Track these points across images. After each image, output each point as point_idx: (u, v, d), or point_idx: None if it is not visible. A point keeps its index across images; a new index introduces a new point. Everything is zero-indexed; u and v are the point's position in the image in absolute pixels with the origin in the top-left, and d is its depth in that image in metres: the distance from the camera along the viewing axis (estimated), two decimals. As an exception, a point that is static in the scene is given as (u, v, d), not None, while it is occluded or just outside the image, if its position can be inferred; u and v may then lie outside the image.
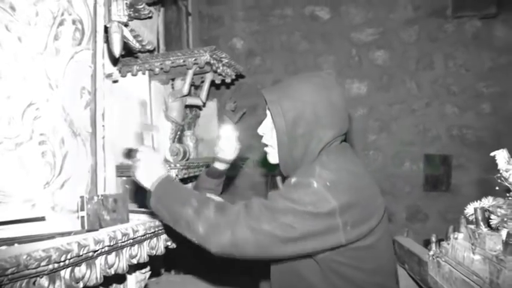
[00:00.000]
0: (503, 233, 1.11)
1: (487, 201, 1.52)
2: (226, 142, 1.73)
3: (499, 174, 1.35)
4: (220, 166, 1.82)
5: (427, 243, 2.44)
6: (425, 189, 4.07)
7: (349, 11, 4.29)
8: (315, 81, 1.40)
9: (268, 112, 1.45)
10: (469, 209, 1.56)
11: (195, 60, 2.53)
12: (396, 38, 4.21)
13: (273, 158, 1.47)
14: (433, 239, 1.53)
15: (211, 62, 2.59)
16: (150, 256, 1.52)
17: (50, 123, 1.37)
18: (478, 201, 1.56)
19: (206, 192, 1.76)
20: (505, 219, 1.38)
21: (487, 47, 4.06)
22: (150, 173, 1.36)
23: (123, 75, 2.56)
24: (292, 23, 4.38)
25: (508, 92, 4.03)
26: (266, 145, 1.49)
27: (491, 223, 1.44)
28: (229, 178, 4.27)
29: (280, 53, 4.39)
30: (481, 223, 1.21)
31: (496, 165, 1.41)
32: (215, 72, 2.78)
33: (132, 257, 1.40)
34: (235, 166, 1.72)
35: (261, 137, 1.51)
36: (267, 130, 1.47)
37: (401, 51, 4.19)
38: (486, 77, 4.06)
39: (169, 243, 1.67)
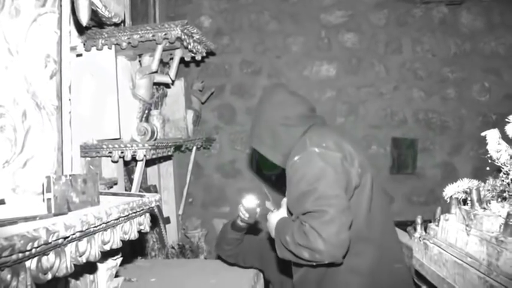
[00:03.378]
0: (503, 213, 1.09)
1: (463, 184, 1.50)
2: (250, 211, 2.05)
3: (489, 155, 1.32)
4: (243, 225, 2.14)
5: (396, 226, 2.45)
6: (391, 172, 4.12)
7: (319, -8, 4.22)
8: (260, 106, 1.74)
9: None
10: (448, 191, 1.54)
11: (165, 34, 2.38)
12: (365, 21, 4.19)
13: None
14: (419, 220, 1.51)
15: (183, 37, 2.45)
16: (122, 241, 1.41)
17: (9, 93, 1.20)
18: (453, 183, 1.55)
19: (232, 241, 2.22)
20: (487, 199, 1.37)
21: (453, 33, 4.14)
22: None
23: (88, 49, 2.37)
24: (262, 2, 4.26)
25: (471, 77, 4.13)
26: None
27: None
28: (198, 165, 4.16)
29: (248, 32, 4.27)
30: (477, 204, 1.18)
31: (485, 145, 1.39)
32: (186, 48, 2.64)
33: (104, 242, 1.27)
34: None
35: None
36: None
37: (370, 34, 4.19)
38: (451, 63, 4.14)
39: (142, 227, 1.56)
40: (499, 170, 1.31)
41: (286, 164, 1.60)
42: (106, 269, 1.52)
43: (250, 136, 1.76)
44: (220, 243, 2.27)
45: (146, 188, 3.44)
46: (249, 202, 2.04)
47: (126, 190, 2.85)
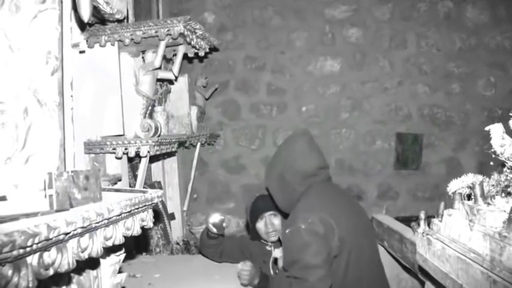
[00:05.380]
0: (507, 208, 1.07)
1: (468, 179, 1.49)
2: (216, 226, 2.36)
3: (493, 149, 1.31)
4: (215, 235, 2.43)
5: (400, 221, 2.44)
6: (396, 168, 4.11)
7: (323, -13, 4.19)
8: (281, 148, 2.03)
9: None
10: (452, 186, 1.52)
11: (168, 30, 2.38)
12: (370, 15, 4.16)
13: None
14: (422, 215, 1.49)
15: (185, 33, 2.44)
16: (125, 237, 1.41)
17: (10, 90, 1.20)
18: (458, 178, 1.53)
19: (211, 245, 2.50)
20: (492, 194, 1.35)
21: (458, 28, 4.10)
22: None
23: (91, 46, 2.37)
24: (265, -3, 4.23)
25: (476, 72, 4.09)
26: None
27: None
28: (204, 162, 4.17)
29: (252, 28, 4.25)
30: (480, 199, 1.17)
31: (489, 140, 1.37)
32: (189, 44, 2.63)
33: (106, 238, 1.27)
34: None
35: None
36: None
37: (374, 29, 4.16)
38: (456, 57, 4.11)
39: (145, 223, 1.56)
40: (503, 164, 1.30)
41: (283, 209, 1.99)
42: (109, 264, 1.52)
43: (266, 174, 2.06)
44: (202, 247, 2.58)
45: (151, 184, 3.44)
46: (214, 219, 2.37)
47: (130, 186, 2.85)
